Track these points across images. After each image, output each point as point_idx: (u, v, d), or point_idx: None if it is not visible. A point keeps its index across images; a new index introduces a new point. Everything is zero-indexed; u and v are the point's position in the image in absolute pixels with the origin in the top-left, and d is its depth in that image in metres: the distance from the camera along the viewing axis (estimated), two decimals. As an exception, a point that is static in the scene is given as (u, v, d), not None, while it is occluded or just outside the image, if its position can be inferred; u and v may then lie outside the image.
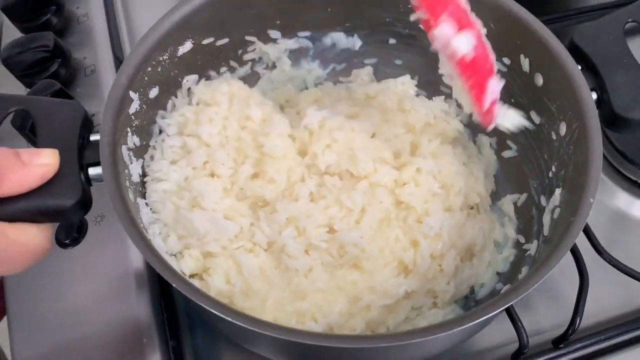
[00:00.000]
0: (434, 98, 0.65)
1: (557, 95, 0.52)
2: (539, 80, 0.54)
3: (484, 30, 0.49)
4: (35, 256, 0.42)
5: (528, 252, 0.54)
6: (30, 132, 0.61)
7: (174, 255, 0.54)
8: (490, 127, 0.53)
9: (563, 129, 0.51)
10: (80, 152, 0.45)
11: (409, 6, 0.60)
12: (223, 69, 0.62)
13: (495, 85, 0.49)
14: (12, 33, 0.76)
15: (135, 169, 0.52)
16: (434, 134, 0.61)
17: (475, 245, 0.57)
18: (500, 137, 0.62)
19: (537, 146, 0.56)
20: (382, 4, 0.61)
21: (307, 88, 0.67)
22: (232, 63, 0.63)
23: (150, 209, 0.53)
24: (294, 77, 0.66)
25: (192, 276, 0.54)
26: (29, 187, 0.41)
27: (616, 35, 0.52)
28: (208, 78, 0.61)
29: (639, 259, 0.61)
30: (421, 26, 0.61)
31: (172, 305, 0.60)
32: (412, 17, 0.51)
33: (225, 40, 0.60)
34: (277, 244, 0.53)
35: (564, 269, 0.57)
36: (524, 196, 0.58)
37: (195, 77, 0.59)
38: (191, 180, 0.54)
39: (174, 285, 0.40)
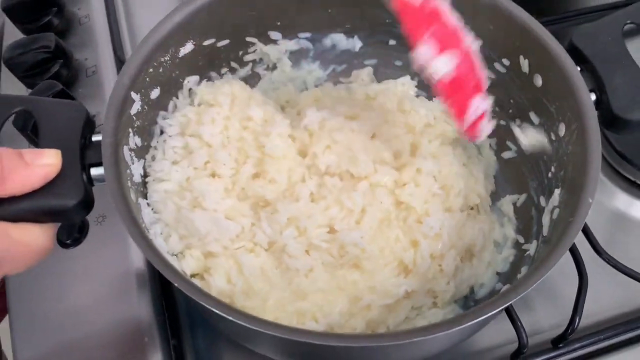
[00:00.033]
0: (433, 99, 0.65)
1: (556, 96, 0.52)
2: (538, 81, 0.54)
3: (477, 44, 0.49)
4: (38, 256, 0.43)
5: (527, 252, 0.54)
6: (32, 133, 0.61)
7: (175, 255, 0.54)
8: (476, 141, 0.53)
9: (562, 129, 0.52)
10: (82, 152, 0.45)
11: (409, 8, 0.60)
12: (224, 70, 0.63)
13: (480, 103, 0.49)
14: (14, 34, 0.77)
15: (136, 169, 0.52)
16: (434, 135, 0.61)
17: (475, 246, 0.57)
18: (500, 138, 0.62)
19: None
20: (382, 5, 0.61)
21: (307, 89, 0.67)
22: (233, 64, 0.63)
23: (152, 209, 0.54)
24: (294, 78, 0.67)
25: (193, 276, 0.54)
26: (32, 187, 0.41)
27: (615, 36, 0.53)
28: (209, 79, 0.61)
29: (638, 259, 0.61)
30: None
31: (173, 305, 0.60)
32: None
33: (226, 41, 0.60)
34: (278, 244, 0.53)
35: (564, 269, 0.57)
36: (523, 197, 0.59)
37: (196, 78, 0.60)
38: (192, 180, 0.55)
39: (175, 284, 0.40)
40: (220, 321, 0.48)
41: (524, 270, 0.52)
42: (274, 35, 0.63)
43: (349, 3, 0.62)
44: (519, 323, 0.54)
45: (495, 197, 0.62)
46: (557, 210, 0.50)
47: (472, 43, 0.48)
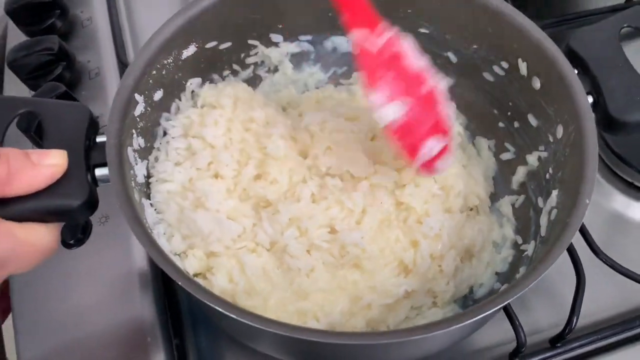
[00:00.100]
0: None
1: (554, 98, 0.53)
2: (536, 83, 0.55)
3: (444, 83, 0.49)
4: (43, 255, 0.43)
5: (525, 253, 0.54)
6: (36, 134, 0.62)
7: (178, 255, 0.54)
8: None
9: (560, 131, 0.52)
10: (86, 153, 0.46)
11: (409, 11, 0.61)
12: (226, 72, 0.63)
13: (434, 144, 0.50)
14: (17, 36, 0.77)
15: (140, 170, 0.53)
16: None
17: (475, 246, 0.58)
18: (499, 140, 0.63)
19: (534, 148, 0.57)
20: (382, 9, 0.62)
21: (308, 91, 0.68)
22: (235, 66, 0.64)
23: (155, 209, 0.54)
24: (295, 81, 0.67)
25: (195, 275, 0.54)
26: (38, 187, 0.42)
27: (612, 39, 0.53)
28: (211, 81, 0.62)
29: (635, 259, 0.62)
30: (421, 30, 0.62)
31: (176, 304, 0.60)
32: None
33: (228, 44, 0.61)
34: (280, 244, 0.54)
35: (561, 269, 0.58)
36: (521, 198, 0.59)
37: (198, 80, 0.60)
38: (195, 181, 0.55)
39: (179, 283, 0.40)
40: (222, 320, 0.49)
41: (522, 270, 0.53)
42: (276, 37, 0.64)
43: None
44: (517, 322, 0.55)
45: (494, 197, 0.62)
46: (554, 211, 0.51)
47: (437, 83, 0.49)
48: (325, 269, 0.54)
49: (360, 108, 0.64)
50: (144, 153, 0.54)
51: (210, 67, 0.61)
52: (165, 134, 0.58)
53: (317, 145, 0.58)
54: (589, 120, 0.49)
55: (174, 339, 0.57)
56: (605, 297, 0.61)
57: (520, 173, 0.59)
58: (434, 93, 0.50)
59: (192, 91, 0.60)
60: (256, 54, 0.64)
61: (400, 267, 0.55)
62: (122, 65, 0.73)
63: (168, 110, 0.58)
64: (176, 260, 0.53)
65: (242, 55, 0.64)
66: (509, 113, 0.61)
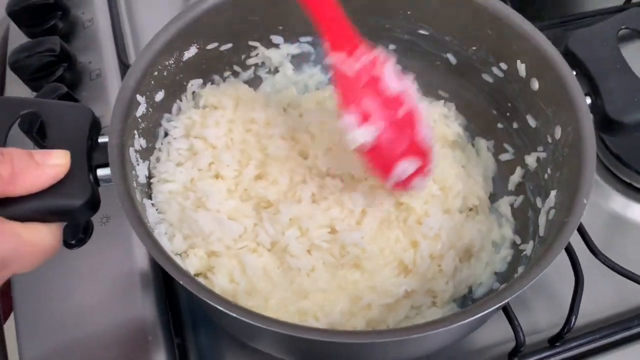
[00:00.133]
0: (433, 103, 0.66)
1: (553, 99, 0.53)
2: (535, 85, 0.55)
3: (422, 107, 0.50)
4: (45, 255, 0.43)
5: (524, 253, 0.55)
6: (37, 135, 0.62)
7: (179, 254, 0.55)
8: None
9: (558, 132, 0.53)
10: (89, 153, 0.46)
11: (409, 13, 0.62)
12: (227, 74, 0.64)
13: (407, 166, 0.50)
14: (18, 38, 0.77)
15: (141, 170, 0.53)
16: (434, 138, 0.62)
17: (474, 246, 0.58)
18: (498, 140, 0.63)
19: (533, 149, 0.57)
20: (382, 10, 0.62)
21: (309, 92, 0.68)
22: (236, 67, 0.64)
23: (156, 209, 0.55)
24: (296, 82, 0.68)
25: (196, 275, 0.55)
26: (41, 187, 0.42)
27: (610, 41, 0.54)
28: (212, 82, 0.62)
29: (634, 259, 0.62)
30: (421, 31, 0.63)
31: (177, 304, 0.61)
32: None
33: (229, 45, 0.61)
34: (280, 244, 0.54)
35: (560, 269, 0.59)
36: (520, 198, 0.59)
37: (199, 81, 0.61)
38: (196, 181, 0.55)
39: (181, 282, 0.41)
40: (223, 319, 0.49)
41: (521, 270, 0.53)
42: (276, 39, 0.64)
43: (349, 8, 0.63)
44: (516, 322, 0.55)
45: (493, 198, 0.63)
46: (553, 211, 0.51)
47: (416, 105, 0.49)
48: (326, 269, 0.54)
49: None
50: (146, 153, 0.54)
51: (211, 68, 0.62)
52: (166, 134, 0.58)
53: (317, 146, 0.58)
54: (587, 121, 0.50)
55: (176, 338, 0.57)
56: (604, 297, 0.62)
57: (517, 174, 0.60)
58: (410, 116, 0.50)
59: (193, 92, 0.61)
60: (257, 55, 0.64)
61: (400, 267, 0.55)
62: (123, 66, 0.74)
63: (169, 111, 0.59)
64: (177, 260, 0.53)
65: (243, 56, 0.64)
66: (508, 114, 0.61)
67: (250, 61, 0.65)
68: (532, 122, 0.57)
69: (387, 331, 0.40)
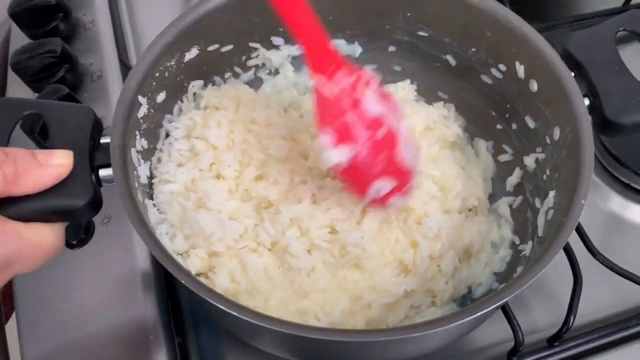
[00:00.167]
0: (433, 104, 0.67)
1: (551, 100, 0.54)
2: (534, 86, 0.56)
3: (405, 127, 0.51)
4: (48, 255, 0.44)
5: (523, 253, 0.55)
6: (39, 136, 0.62)
7: (180, 254, 0.55)
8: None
9: (557, 133, 0.53)
10: (91, 154, 0.46)
11: (408, 14, 0.62)
12: (227, 75, 0.64)
13: (383, 186, 0.51)
14: (20, 39, 0.78)
15: (143, 170, 0.53)
16: (433, 138, 0.63)
17: (473, 247, 0.58)
18: (497, 141, 0.64)
19: (532, 150, 0.58)
20: (382, 12, 0.63)
21: (309, 93, 0.69)
22: (236, 69, 0.64)
23: (158, 210, 0.55)
24: (296, 83, 0.68)
25: (197, 275, 0.55)
26: (44, 187, 0.42)
27: (608, 43, 0.54)
28: (213, 83, 0.63)
29: (632, 259, 0.62)
30: (421, 33, 0.63)
31: (178, 304, 0.61)
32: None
33: (230, 46, 0.61)
34: (281, 244, 0.54)
35: (559, 269, 0.59)
36: (519, 198, 0.60)
37: (200, 82, 0.61)
38: (198, 181, 0.56)
39: (183, 282, 0.41)
40: (225, 318, 0.50)
41: (519, 270, 0.53)
42: (277, 40, 0.64)
43: (349, 10, 0.63)
44: (515, 322, 0.55)
45: (492, 199, 0.63)
46: (551, 212, 0.52)
47: (397, 127, 0.51)
48: (326, 269, 0.55)
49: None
50: (147, 154, 0.55)
51: (212, 69, 0.62)
52: (167, 135, 0.59)
53: (318, 147, 0.58)
54: (586, 123, 0.50)
55: (177, 337, 0.57)
56: (602, 297, 0.62)
57: (516, 175, 0.60)
58: (389, 137, 0.51)
59: (194, 93, 0.61)
60: (257, 56, 0.65)
61: (400, 267, 0.56)
62: (124, 67, 0.74)
63: (170, 112, 0.59)
64: (179, 260, 0.53)
65: (244, 57, 0.64)
66: (506, 115, 0.61)
67: (251, 62, 0.65)
68: (530, 123, 0.58)
69: (387, 330, 0.41)
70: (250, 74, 0.66)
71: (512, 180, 0.61)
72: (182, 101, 0.60)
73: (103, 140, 0.48)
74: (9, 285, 0.62)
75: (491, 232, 0.60)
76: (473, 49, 0.61)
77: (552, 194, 0.52)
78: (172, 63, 0.56)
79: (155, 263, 0.60)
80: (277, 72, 0.67)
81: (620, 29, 0.55)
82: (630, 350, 0.58)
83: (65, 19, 0.77)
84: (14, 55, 0.72)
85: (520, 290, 0.42)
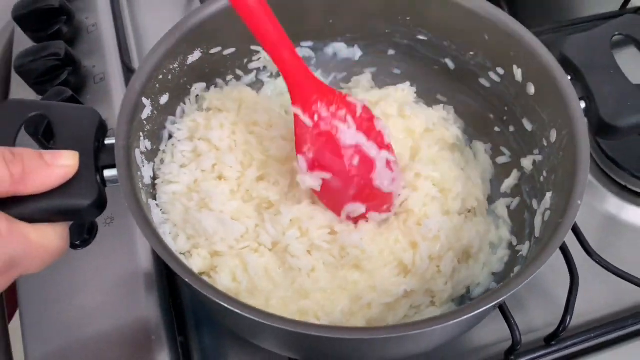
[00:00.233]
0: (433, 107, 0.67)
1: (548, 103, 0.54)
2: (531, 89, 0.56)
3: (387, 155, 0.54)
4: (53, 258, 0.44)
5: (520, 253, 0.56)
6: (43, 138, 0.63)
7: (183, 254, 0.55)
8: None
9: (554, 135, 0.54)
10: (96, 155, 0.47)
11: (408, 18, 0.63)
12: (229, 77, 0.65)
13: (354, 210, 0.55)
14: (23, 42, 0.79)
15: (147, 171, 0.54)
16: (433, 140, 0.63)
17: (472, 247, 0.59)
18: (495, 144, 0.64)
19: (529, 152, 0.59)
20: (381, 16, 0.63)
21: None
22: (238, 71, 0.65)
23: (161, 210, 0.55)
24: (297, 86, 0.69)
25: (200, 274, 0.55)
26: (51, 187, 0.43)
27: (604, 47, 0.55)
28: (215, 86, 0.63)
29: (628, 260, 0.63)
30: (420, 37, 0.64)
31: (180, 304, 0.61)
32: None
33: (232, 49, 0.62)
34: (281, 244, 0.55)
35: (556, 270, 0.59)
36: (516, 200, 0.61)
37: (203, 84, 0.62)
38: (200, 182, 0.56)
39: (186, 280, 0.42)
40: (227, 317, 0.50)
41: (517, 270, 0.54)
42: (277, 43, 0.65)
43: (349, 14, 0.64)
44: (512, 321, 0.56)
45: (490, 200, 0.63)
46: (548, 213, 0.52)
47: (375, 154, 0.54)
48: (326, 269, 0.55)
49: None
50: (151, 155, 0.55)
51: (214, 72, 0.63)
52: (170, 136, 0.59)
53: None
54: (582, 125, 0.51)
55: (179, 336, 0.58)
56: (599, 297, 0.63)
57: (514, 177, 0.61)
58: (364, 165, 0.54)
59: (197, 95, 0.62)
60: (259, 59, 0.65)
61: (399, 268, 0.56)
62: (127, 69, 0.75)
63: (173, 114, 0.60)
64: (181, 259, 0.54)
65: (245, 60, 0.65)
66: (504, 118, 0.62)
67: (252, 65, 0.66)
68: (528, 125, 0.58)
69: (386, 327, 0.41)
70: (251, 77, 0.66)
71: (510, 181, 0.61)
72: (184, 103, 0.61)
73: (107, 142, 0.49)
74: (12, 285, 0.62)
75: (489, 233, 0.60)
76: (471, 53, 0.62)
77: (549, 195, 0.53)
78: (175, 66, 0.57)
79: (158, 263, 0.60)
80: (278, 74, 0.67)
81: (616, 33, 0.56)
82: (626, 349, 0.59)
83: (68, 22, 0.78)
84: (17, 58, 0.72)
85: (517, 289, 0.43)
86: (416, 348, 0.50)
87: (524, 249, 0.55)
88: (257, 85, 0.67)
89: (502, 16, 0.57)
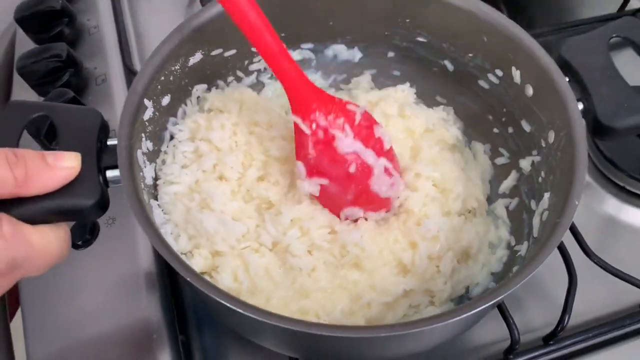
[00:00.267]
0: (434, 108, 0.68)
1: (546, 105, 0.55)
2: (529, 91, 0.57)
3: (380, 163, 0.56)
4: (53, 262, 0.44)
5: (519, 253, 0.56)
6: (45, 139, 0.63)
7: (184, 254, 0.56)
8: None
9: (552, 136, 0.54)
10: (98, 155, 0.47)
11: (407, 20, 0.64)
12: (230, 79, 0.65)
13: (353, 213, 0.56)
14: (25, 44, 0.79)
15: (148, 172, 0.54)
16: (433, 141, 0.64)
17: (472, 248, 0.59)
18: (494, 145, 0.65)
19: (527, 153, 0.59)
20: (381, 18, 0.64)
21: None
22: (239, 73, 0.65)
23: (162, 210, 0.56)
24: (297, 87, 0.69)
25: (201, 274, 0.56)
26: (52, 189, 0.43)
27: (601, 49, 0.55)
28: (216, 87, 0.64)
29: (626, 260, 0.63)
30: (419, 39, 0.65)
31: (181, 303, 0.62)
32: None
33: (233, 51, 0.62)
34: (282, 244, 0.55)
35: (554, 270, 0.60)
36: (515, 200, 0.61)
37: (204, 86, 0.62)
38: (201, 183, 0.57)
39: (188, 279, 0.42)
40: (228, 316, 0.50)
41: (515, 270, 0.54)
42: (278, 45, 0.66)
43: (349, 16, 0.65)
44: (511, 321, 0.56)
45: (489, 200, 0.64)
46: (546, 213, 0.53)
47: (373, 162, 0.55)
48: (326, 269, 0.56)
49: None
50: (152, 156, 0.56)
51: (215, 73, 0.63)
52: (172, 137, 0.60)
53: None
54: (579, 126, 0.51)
55: (180, 335, 0.58)
56: (597, 297, 0.63)
57: (512, 177, 0.61)
58: (362, 171, 0.55)
59: (198, 97, 0.62)
60: (259, 61, 0.66)
61: (399, 267, 0.56)
62: (128, 71, 0.75)
63: (175, 115, 0.60)
64: (183, 259, 0.54)
65: (246, 62, 0.65)
66: (503, 119, 0.63)
67: (253, 67, 0.66)
68: (526, 127, 0.59)
69: (386, 326, 0.41)
70: (252, 78, 0.67)
71: (509, 182, 0.62)
72: (186, 104, 0.61)
73: (110, 142, 0.49)
74: (15, 286, 0.62)
75: (489, 233, 0.61)
76: (470, 55, 0.62)
77: (547, 195, 0.54)
78: (177, 67, 0.57)
79: (159, 263, 0.61)
80: (278, 76, 0.68)
81: (614, 35, 0.56)
82: (624, 349, 0.59)
83: (70, 24, 0.78)
84: (19, 59, 0.73)
85: (515, 288, 0.43)
86: (416, 347, 0.51)
87: (522, 249, 0.56)
88: (257, 86, 0.68)
89: (501, 19, 0.58)
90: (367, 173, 0.56)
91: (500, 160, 0.64)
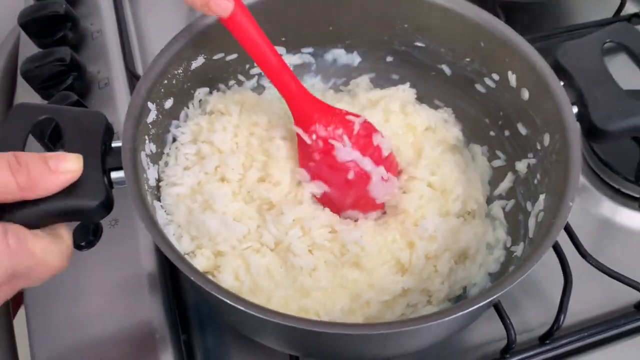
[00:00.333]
0: (437, 110, 0.69)
1: (542, 108, 0.56)
2: (525, 94, 0.58)
3: (378, 171, 0.58)
4: (52, 275, 0.45)
5: (515, 254, 0.57)
6: (49, 141, 0.64)
7: (187, 254, 0.56)
8: None
9: (547, 139, 0.55)
10: (103, 157, 0.48)
11: (406, 26, 0.65)
12: (231, 82, 0.66)
13: (353, 215, 0.60)
14: (29, 48, 0.80)
15: (152, 174, 0.55)
16: (435, 141, 0.64)
17: (470, 249, 0.59)
18: (490, 147, 0.66)
19: (523, 156, 0.60)
20: (380, 23, 0.65)
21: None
22: (240, 77, 0.66)
23: (165, 211, 0.57)
24: (297, 91, 0.70)
25: (204, 273, 0.57)
26: (55, 191, 0.44)
27: (595, 54, 0.56)
28: (218, 90, 0.65)
29: (622, 261, 0.64)
30: (417, 43, 0.66)
31: (183, 303, 0.63)
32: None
33: (234, 55, 0.63)
34: (283, 244, 0.56)
35: (550, 271, 0.61)
36: (511, 202, 0.62)
37: (206, 89, 0.63)
38: (203, 184, 0.58)
39: (192, 278, 0.43)
40: (230, 314, 0.51)
41: (511, 270, 0.55)
42: (279, 50, 0.65)
43: (348, 21, 0.66)
44: (508, 321, 0.57)
45: (487, 202, 0.64)
46: (541, 214, 0.53)
47: (371, 170, 0.58)
48: (327, 268, 0.56)
49: (361, 106, 0.67)
50: (155, 158, 0.57)
51: (217, 77, 0.64)
52: (174, 140, 0.61)
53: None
54: (574, 129, 0.52)
55: (183, 334, 0.59)
56: (592, 297, 0.64)
57: (508, 179, 0.62)
58: (360, 178, 0.58)
59: (200, 100, 0.63)
60: (260, 65, 0.67)
61: (397, 266, 0.57)
62: (131, 75, 0.76)
63: (177, 118, 0.61)
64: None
65: (247, 66, 0.66)
66: (499, 122, 0.63)
67: (254, 71, 0.67)
68: (522, 130, 0.60)
69: (384, 323, 0.42)
70: (253, 82, 0.68)
71: (505, 184, 0.63)
72: (188, 107, 0.62)
73: (114, 144, 0.50)
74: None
75: (487, 234, 0.61)
76: (467, 59, 0.63)
77: (542, 197, 0.54)
78: (180, 71, 0.58)
79: (162, 263, 0.61)
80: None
81: (607, 40, 0.57)
82: (619, 348, 0.60)
83: (73, 29, 0.79)
84: (24, 63, 0.74)
85: (510, 287, 0.44)
86: (413, 345, 0.51)
87: (519, 249, 0.57)
88: (258, 90, 0.69)
89: (497, 24, 0.59)
90: (366, 180, 0.59)
91: (496, 163, 0.65)
